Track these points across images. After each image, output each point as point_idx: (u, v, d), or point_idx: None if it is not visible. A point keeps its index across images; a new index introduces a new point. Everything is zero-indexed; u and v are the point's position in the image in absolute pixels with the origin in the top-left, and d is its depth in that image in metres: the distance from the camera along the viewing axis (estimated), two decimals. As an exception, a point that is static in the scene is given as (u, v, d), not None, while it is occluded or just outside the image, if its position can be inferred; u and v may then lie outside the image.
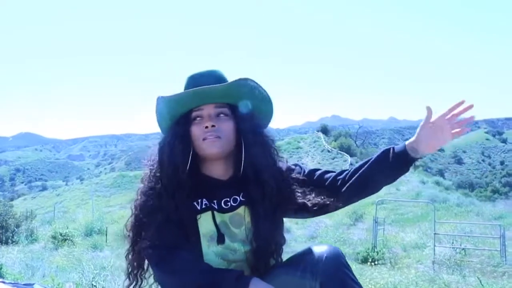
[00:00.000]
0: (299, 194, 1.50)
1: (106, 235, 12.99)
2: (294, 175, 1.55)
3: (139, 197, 1.47)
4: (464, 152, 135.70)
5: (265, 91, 1.48)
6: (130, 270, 1.49)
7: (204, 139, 1.42)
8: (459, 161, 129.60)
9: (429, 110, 1.39)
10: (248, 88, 1.44)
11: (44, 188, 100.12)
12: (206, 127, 1.42)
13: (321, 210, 1.49)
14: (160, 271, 1.38)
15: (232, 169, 1.49)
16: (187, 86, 1.45)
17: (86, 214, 19.40)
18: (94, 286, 4.82)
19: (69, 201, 53.66)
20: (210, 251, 1.43)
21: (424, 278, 6.35)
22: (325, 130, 62.25)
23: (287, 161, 1.58)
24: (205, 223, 1.44)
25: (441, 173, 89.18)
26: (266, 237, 1.44)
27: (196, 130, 1.43)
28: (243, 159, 1.43)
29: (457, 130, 1.41)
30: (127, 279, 1.50)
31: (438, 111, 1.40)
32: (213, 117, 1.44)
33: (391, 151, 1.44)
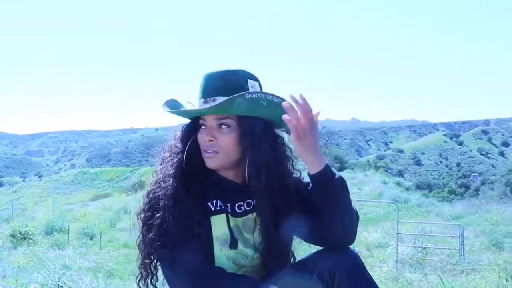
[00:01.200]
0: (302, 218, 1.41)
1: (68, 233, 12.69)
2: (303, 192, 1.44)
3: (154, 187, 1.41)
4: (423, 153, 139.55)
5: (274, 97, 1.34)
6: (141, 263, 1.43)
7: (204, 151, 1.39)
8: (418, 163, 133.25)
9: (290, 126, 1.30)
10: (248, 104, 1.32)
11: (0, 185, 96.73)
12: (205, 140, 1.38)
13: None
14: (172, 272, 1.33)
15: (243, 172, 1.41)
16: (200, 85, 1.42)
17: (46, 212, 18.88)
18: (61, 286, 4.72)
19: (26, 198, 52.15)
20: (222, 255, 1.38)
21: (388, 277, 6.51)
22: (288, 130, 62.55)
23: (301, 173, 1.48)
24: (219, 226, 1.39)
25: (400, 174, 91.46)
26: (276, 245, 1.39)
27: (200, 139, 1.40)
28: (246, 171, 1.37)
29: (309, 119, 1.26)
30: (139, 274, 1.44)
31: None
32: (214, 129, 1.37)
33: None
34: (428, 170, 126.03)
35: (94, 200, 32.74)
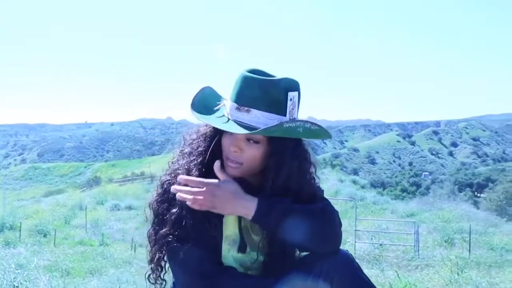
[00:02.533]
0: None
1: (20, 231, 12.24)
2: None
3: (170, 178, 1.37)
4: (377, 152, 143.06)
5: (313, 125, 1.29)
6: (152, 257, 1.38)
7: (226, 158, 1.33)
8: (372, 161, 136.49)
9: None
10: (284, 131, 1.26)
11: None
12: (230, 150, 1.31)
13: None
14: (184, 270, 1.31)
15: (261, 175, 1.36)
16: (235, 86, 1.33)
17: (-5, 209, 18.13)
18: (16, 286, 4.54)
19: (-27, 194, 49.82)
20: (230, 256, 1.36)
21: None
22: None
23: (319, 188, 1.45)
24: (229, 225, 1.36)
25: (355, 172, 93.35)
26: (280, 249, 1.36)
27: (225, 144, 1.33)
28: (264, 182, 1.32)
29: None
30: (150, 268, 1.39)
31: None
32: (241, 140, 1.31)
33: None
34: (381, 169, 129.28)
35: (47, 196, 31.72)
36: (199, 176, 1.31)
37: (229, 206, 1.25)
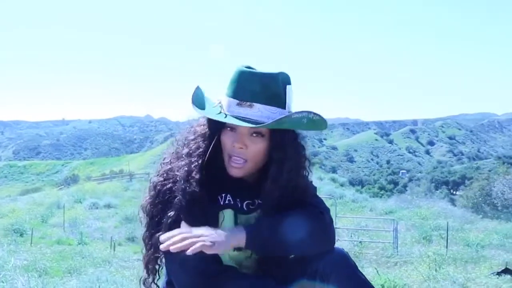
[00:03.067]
0: None
1: (-4, 230, 12.00)
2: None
3: (163, 179, 1.35)
4: (356, 151, 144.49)
5: (315, 115, 1.29)
6: (148, 260, 1.36)
7: (230, 157, 1.31)
8: (351, 160, 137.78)
9: None
10: (291, 122, 1.28)
11: None
12: (234, 146, 1.30)
13: None
14: (183, 271, 1.27)
15: (258, 173, 1.37)
16: (233, 82, 1.31)
17: (-31, 207, 17.73)
18: (-5, 287, 4.45)
19: None
20: (226, 254, 1.32)
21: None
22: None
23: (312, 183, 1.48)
24: (226, 222, 1.34)
25: (334, 170, 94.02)
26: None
27: (227, 141, 1.32)
28: (269, 176, 1.33)
29: None
30: (146, 271, 1.37)
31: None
32: (245, 136, 1.30)
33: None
34: (360, 167, 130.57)
35: (23, 194, 31.18)
36: (201, 178, 1.30)
37: (223, 244, 1.21)
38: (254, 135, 1.30)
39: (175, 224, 1.25)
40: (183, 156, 1.36)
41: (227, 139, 1.31)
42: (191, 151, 1.35)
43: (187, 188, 1.29)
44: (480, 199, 19.31)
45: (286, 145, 1.31)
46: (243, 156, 1.30)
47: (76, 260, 7.85)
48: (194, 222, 1.25)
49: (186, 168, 1.33)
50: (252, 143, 1.30)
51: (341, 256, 1.33)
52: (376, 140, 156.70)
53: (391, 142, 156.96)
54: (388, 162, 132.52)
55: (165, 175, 1.36)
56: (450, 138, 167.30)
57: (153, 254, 1.35)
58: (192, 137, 1.38)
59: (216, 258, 1.29)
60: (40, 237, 12.05)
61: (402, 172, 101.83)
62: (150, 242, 1.33)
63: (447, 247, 8.22)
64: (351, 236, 9.62)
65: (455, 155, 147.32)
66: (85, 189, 22.64)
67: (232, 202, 1.36)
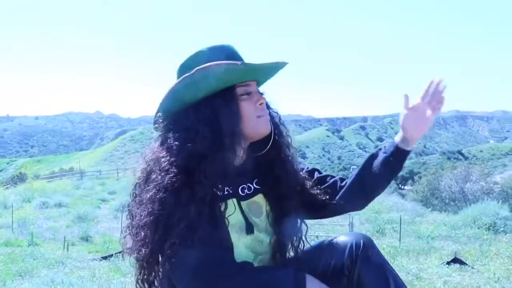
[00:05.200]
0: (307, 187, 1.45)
1: None
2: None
3: (160, 176, 1.23)
4: (307, 147, 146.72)
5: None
6: (144, 276, 1.29)
7: (259, 117, 1.32)
8: (303, 156, 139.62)
9: (406, 97, 1.36)
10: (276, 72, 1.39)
11: None
12: (261, 103, 1.32)
13: (322, 210, 1.45)
14: (201, 277, 1.20)
15: (245, 154, 1.36)
16: (220, 58, 1.27)
17: None
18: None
19: None
20: (240, 243, 1.30)
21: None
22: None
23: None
24: (232, 214, 1.30)
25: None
26: (289, 224, 1.36)
27: (248, 107, 1.30)
28: (272, 137, 1.37)
29: (437, 106, 1.36)
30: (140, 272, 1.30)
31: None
32: (258, 94, 1.35)
33: (383, 151, 1.40)
34: (312, 163, 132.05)
35: (-35, 194, 29.61)
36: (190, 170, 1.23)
37: None
38: (261, 92, 1.38)
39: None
40: (173, 148, 1.27)
41: (247, 104, 1.31)
42: (185, 140, 1.26)
43: (172, 180, 1.21)
44: (429, 193, 20.04)
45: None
46: (267, 111, 1.37)
47: (27, 262, 7.55)
48: (204, 221, 1.21)
49: (161, 172, 1.24)
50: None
51: (367, 241, 1.30)
52: (328, 136, 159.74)
53: (342, 138, 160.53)
54: (339, 158, 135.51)
55: (152, 176, 1.26)
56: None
57: (151, 257, 1.25)
58: (190, 122, 1.28)
59: (232, 256, 1.26)
60: (-13, 239, 11.52)
61: (353, 168, 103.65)
62: (147, 258, 1.24)
63: (400, 240, 8.50)
64: (307, 231, 9.75)
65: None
66: (34, 188, 21.68)
67: (230, 191, 1.33)
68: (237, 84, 1.29)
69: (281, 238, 1.37)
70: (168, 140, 1.26)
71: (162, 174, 1.22)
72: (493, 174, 20.17)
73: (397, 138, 1.38)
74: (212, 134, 1.24)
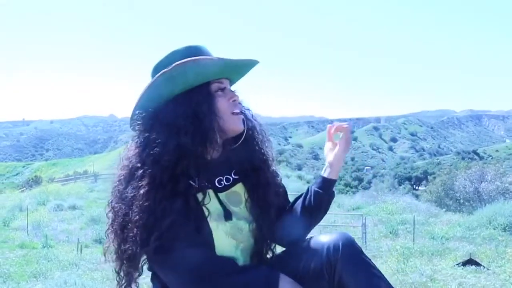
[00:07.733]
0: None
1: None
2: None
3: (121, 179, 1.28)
4: (321, 148, 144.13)
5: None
6: (126, 276, 1.31)
7: (233, 113, 1.36)
8: (316, 157, 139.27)
9: (328, 129, 1.55)
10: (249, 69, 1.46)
11: None
12: (234, 100, 1.37)
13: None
14: (178, 272, 1.23)
15: (221, 148, 1.39)
16: (196, 55, 1.30)
17: None
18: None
19: None
20: (220, 231, 1.32)
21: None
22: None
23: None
24: (210, 203, 1.32)
25: (299, 167, 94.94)
26: (268, 210, 1.40)
27: (223, 103, 1.34)
28: (245, 129, 1.40)
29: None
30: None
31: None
32: (232, 92, 1.40)
33: (314, 188, 1.44)
34: (324, 164, 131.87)
35: (-18, 198, 30.02)
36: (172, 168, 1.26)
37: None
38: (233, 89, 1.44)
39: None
40: (153, 144, 1.29)
41: (222, 100, 1.36)
42: (167, 137, 1.28)
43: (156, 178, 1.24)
44: (443, 193, 19.78)
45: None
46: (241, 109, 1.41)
47: (41, 264, 7.62)
48: (184, 218, 1.24)
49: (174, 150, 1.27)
50: None
51: (348, 240, 1.29)
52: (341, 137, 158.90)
53: (355, 139, 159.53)
54: (352, 159, 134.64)
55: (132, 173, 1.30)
56: (412, 134, 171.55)
57: (129, 274, 1.30)
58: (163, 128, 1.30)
59: (213, 253, 1.28)
60: (2, 241, 11.63)
61: (366, 169, 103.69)
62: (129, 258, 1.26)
63: (414, 241, 8.41)
64: (321, 232, 9.70)
65: (417, 151, 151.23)
66: (49, 191, 21.90)
67: (208, 184, 1.34)
68: (211, 81, 1.33)
69: (261, 225, 1.40)
70: (150, 137, 1.27)
71: (146, 169, 1.24)
72: (509, 173, 19.78)
73: (323, 171, 1.48)
74: (194, 129, 1.27)
